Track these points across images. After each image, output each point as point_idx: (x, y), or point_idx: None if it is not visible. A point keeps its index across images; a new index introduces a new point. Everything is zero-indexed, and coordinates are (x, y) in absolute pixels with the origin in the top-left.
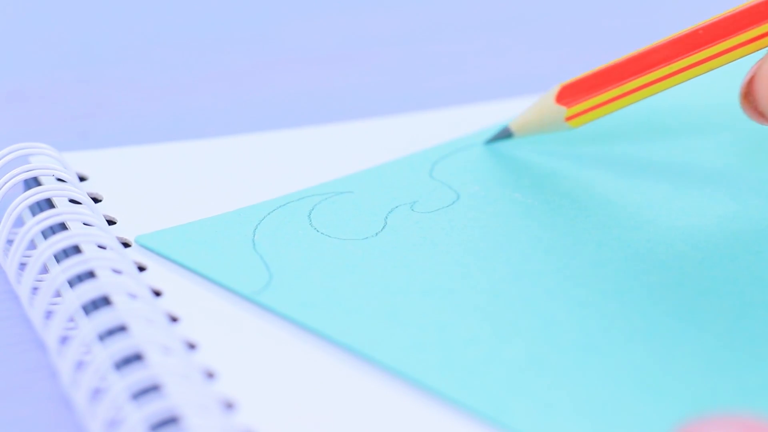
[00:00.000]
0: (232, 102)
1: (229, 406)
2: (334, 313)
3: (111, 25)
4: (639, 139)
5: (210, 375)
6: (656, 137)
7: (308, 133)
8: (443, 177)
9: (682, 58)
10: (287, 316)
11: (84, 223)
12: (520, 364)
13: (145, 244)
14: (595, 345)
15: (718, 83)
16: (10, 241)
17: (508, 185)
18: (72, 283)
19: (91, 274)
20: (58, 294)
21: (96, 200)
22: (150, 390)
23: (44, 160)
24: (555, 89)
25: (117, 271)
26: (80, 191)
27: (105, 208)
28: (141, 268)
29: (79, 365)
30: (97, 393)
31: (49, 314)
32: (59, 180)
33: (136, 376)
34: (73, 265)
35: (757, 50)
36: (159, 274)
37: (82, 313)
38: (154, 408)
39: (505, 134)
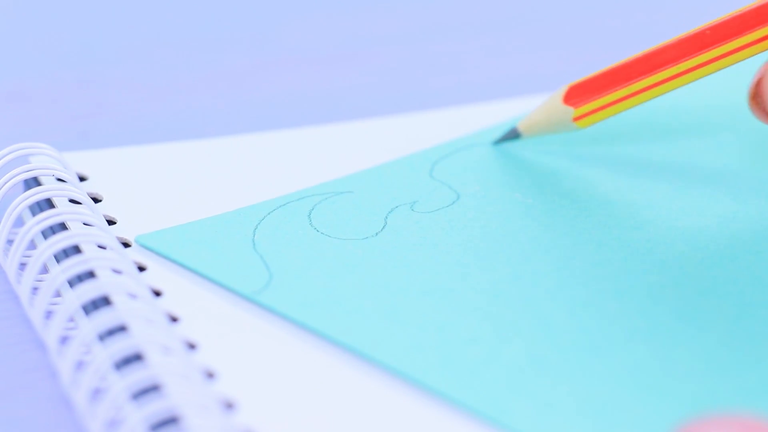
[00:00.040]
0: (232, 102)
1: (229, 406)
2: (334, 313)
3: (111, 25)
4: (639, 139)
5: (210, 375)
6: (656, 137)
7: (308, 133)
8: (443, 177)
9: (690, 59)
10: (287, 315)
11: (84, 223)
12: (520, 364)
13: (145, 244)
14: (595, 345)
15: (718, 84)
16: (10, 241)
17: (508, 185)
18: (72, 283)
19: (91, 274)
20: (58, 294)
21: (96, 200)
22: (150, 390)
23: (44, 160)
24: (562, 89)
25: (117, 271)
26: (80, 191)
27: (105, 208)
28: (141, 268)
29: (79, 365)
30: (97, 393)
31: (49, 314)
32: (59, 180)
33: (136, 376)
34: (73, 265)
35: (765, 50)
36: (159, 274)
37: (82, 313)
38: (154, 408)
39: (512, 135)
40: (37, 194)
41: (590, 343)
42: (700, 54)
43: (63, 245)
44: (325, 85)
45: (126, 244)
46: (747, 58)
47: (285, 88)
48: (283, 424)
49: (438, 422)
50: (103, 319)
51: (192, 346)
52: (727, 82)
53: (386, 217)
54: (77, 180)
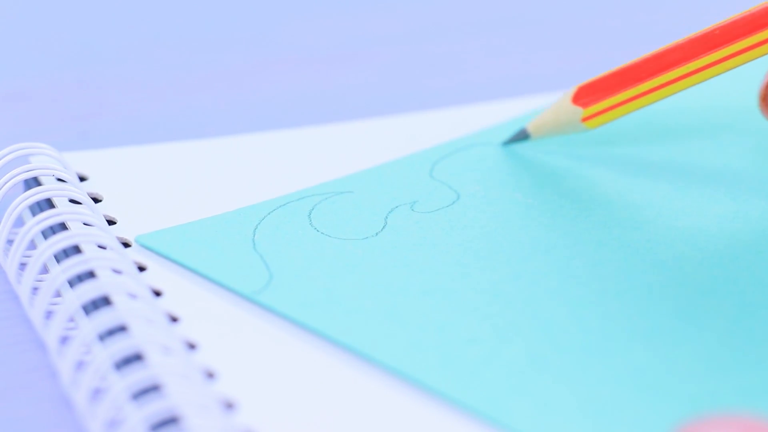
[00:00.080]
0: (232, 102)
1: (229, 406)
2: (334, 313)
3: (111, 25)
4: (639, 139)
5: (210, 375)
6: (656, 137)
7: (308, 133)
8: (443, 177)
9: (699, 58)
10: (287, 315)
11: (84, 223)
12: (520, 364)
13: (145, 244)
14: (595, 345)
15: (718, 84)
16: (10, 241)
17: (508, 185)
18: (72, 283)
19: (91, 274)
20: (58, 294)
21: (96, 200)
22: (150, 390)
23: (44, 160)
24: (572, 90)
25: (117, 271)
26: (80, 191)
27: (105, 208)
28: (141, 268)
29: (79, 365)
30: (97, 393)
31: (49, 314)
32: (59, 180)
33: (136, 376)
34: (73, 265)
35: None
36: (159, 274)
37: (82, 313)
38: (154, 408)
39: (522, 136)
40: (37, 194)
41: (590, 343)
42: (710, 54)
43: (63, 245)
44: (325, 85)
45: (126, 244)
46: (757, 57)
47: (285, 88)
48: (283, 424)
49: (438, 422)
50: (103, 319)
51: (192, 346)
52: (727, 83)
53: (386, 217)
54: (77, 180)
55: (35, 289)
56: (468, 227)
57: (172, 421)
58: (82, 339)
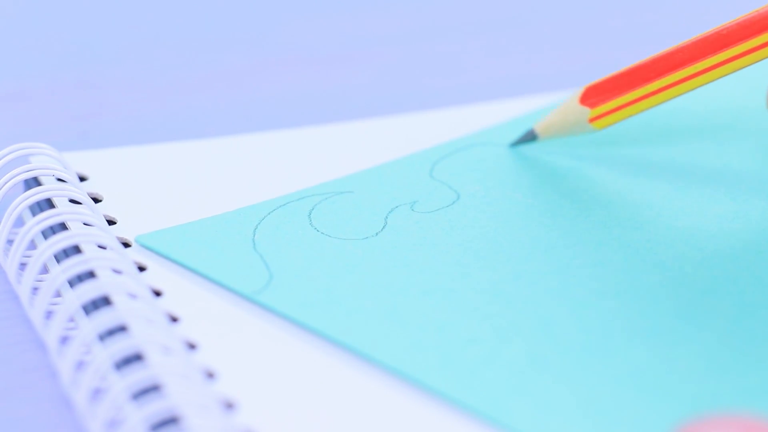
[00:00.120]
0: (232, 102)
1: (229, 406)
2: (334, 313)
3: (111, 25)
4: (639, 139)
5: (210, 375)
6: (656, 137)
7: (308, 133)
8: (443, 177)
9: (707, 58)
10: (287, 315)
11: (84, 223)
12: (520, 364)
13: (145, 244)
14: (595, 345)
15: (718, 84)
16: (10, 241)
17: (508, 185)
18: (72, 283)
19: (91, 274)
20: (58, 294)
21: (96, 200)
22: (150, 390)
23: (44, 160)
24: (579, 90)
25: (117, 271)
26: (80, 191)
27: (105, 208)
28: (141, 268)
29: (79, 365)
30: (97, 393)
31: (49, 314)
32: (59, 180)
33: (136, 376)
34: (73, 265)
35: None
36: (159, 274)
37: (82, 313)
38: (154, 408)
39: (529, 137)
40: (37, 194)
41: (590, 343)
42: (717, 54)
43: (63, 245)
44: (325, 85)
45: (126, 244)
46: (766, 57)
47: (285, 88)
48: (283, 424)
49: (438, 422)
50: (103, 319)
51: (192, 346)
52: (727, 83)
53: (386, 217)
54: (77, 180)
55: (35, 289)
56: (468, 227)
57: (172, 421)
58: (82, 339)
